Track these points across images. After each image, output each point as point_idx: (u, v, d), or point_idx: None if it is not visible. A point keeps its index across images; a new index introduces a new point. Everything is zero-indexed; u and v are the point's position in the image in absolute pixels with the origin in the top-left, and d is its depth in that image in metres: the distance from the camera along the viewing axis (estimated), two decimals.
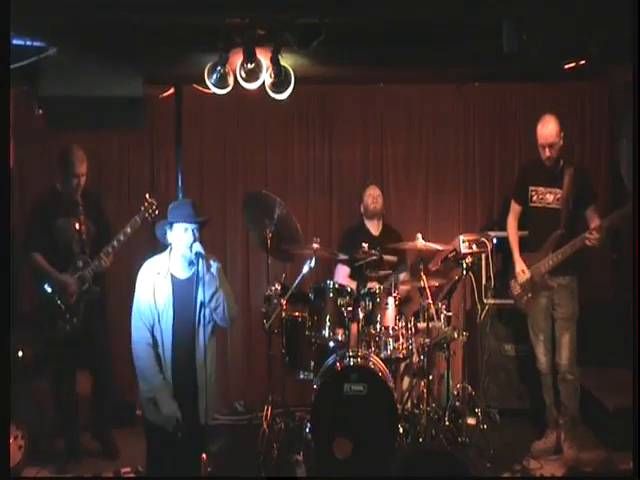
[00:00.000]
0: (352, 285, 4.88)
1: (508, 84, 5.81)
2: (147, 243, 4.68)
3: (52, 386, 4.69)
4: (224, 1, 3.93)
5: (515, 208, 4.87)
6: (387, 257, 4.98)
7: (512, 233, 4.84)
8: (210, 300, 3.75)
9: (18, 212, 5.37)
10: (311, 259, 4.62)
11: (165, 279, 3.78)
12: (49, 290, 4.46)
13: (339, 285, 4.72)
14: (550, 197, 4.63)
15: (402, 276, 5.31)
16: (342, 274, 5.31)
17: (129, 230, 4.51)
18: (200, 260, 3.67)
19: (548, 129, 4.52)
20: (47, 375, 4.85)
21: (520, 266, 4.69)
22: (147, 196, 4.59)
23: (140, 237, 4.73)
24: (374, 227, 5.45)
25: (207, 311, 3.76)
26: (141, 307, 3.77)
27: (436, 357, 5.00)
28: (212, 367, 3.84)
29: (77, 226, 4.57)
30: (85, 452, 4.70)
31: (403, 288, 5.05)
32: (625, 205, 4.20)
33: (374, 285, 4.83)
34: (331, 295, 4.65)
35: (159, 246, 3.98)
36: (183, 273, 3.83)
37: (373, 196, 5.42)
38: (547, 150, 4.52)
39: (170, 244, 3.83)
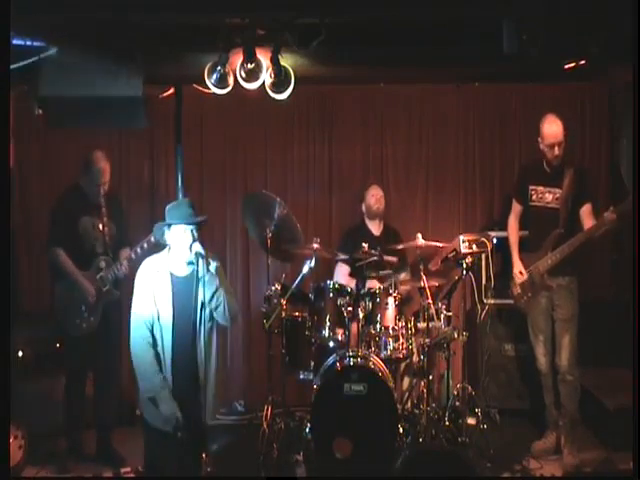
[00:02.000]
0: (352, 284, 4.88)
1: (508, 84, 5.82)
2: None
3: (65, 385, 4.67)
4: (224, 1, 3.93)
5: (516, 208, 4.85)
6: (387, 257, 4.98)
7: (512, 233, 4.84)
8: (211, 299, 3.74)
9: (18, 212, 5.40)
10: (311, 259, 4.62)
11: (165, 277, 3.77)
12: (70, 288, 4.45)
13: (339, 285, 4.72)
14: (549, 197, 4.63)
15: (402, 276, 5.32)
16: (342, 273, 5.31)
17: (153, 239, 4.49)
18: (200, 260, 3.67)
19: (555, 128, 4.49)
20: (49, 375, 4.86)
21: (518, 268, 4.69)
22: None
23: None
24: (375, 227, 5.45)
25: (207, 310, 3.76)
26: (141, 305, 3.75)
27: (436, 357, 5.00)
28: (214, 365, 3.83)
29: (100, 227, 4.56)
30: (86, 452, 4.69)
31: (403, 288, 5.05)
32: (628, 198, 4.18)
33: (374, 285, 4.82)
34: (331, 295, 4.66)
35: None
36: (182, 271, 3.82)
37: (376, 197, 5.41)
38: (556, 149, 4.48)
39: (169, 244, 3.82)
